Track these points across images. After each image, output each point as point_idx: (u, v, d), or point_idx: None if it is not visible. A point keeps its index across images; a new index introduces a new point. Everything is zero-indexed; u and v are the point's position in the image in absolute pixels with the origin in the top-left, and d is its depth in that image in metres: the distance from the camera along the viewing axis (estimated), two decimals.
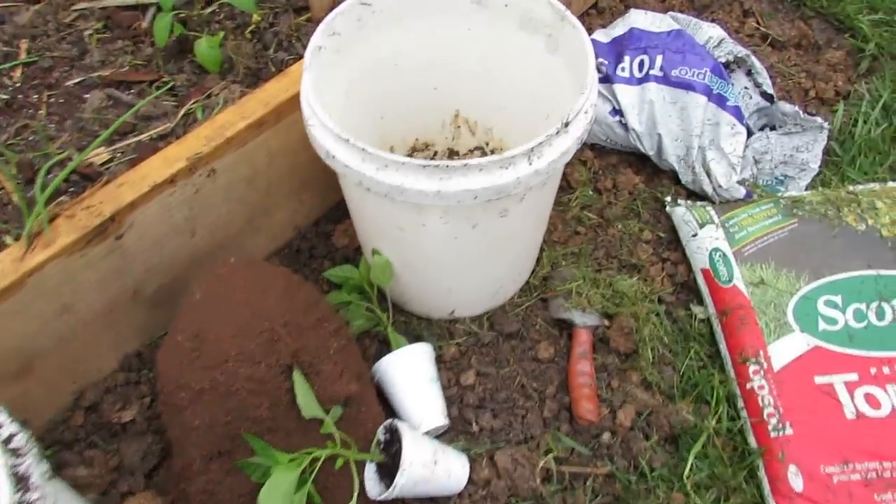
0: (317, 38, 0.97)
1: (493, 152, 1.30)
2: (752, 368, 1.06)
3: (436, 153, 1.33)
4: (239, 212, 1.12)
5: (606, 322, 1.17)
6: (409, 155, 1.31)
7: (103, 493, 1.01)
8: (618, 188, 1.35)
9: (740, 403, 1.07)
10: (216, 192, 1.05)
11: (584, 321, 1.14)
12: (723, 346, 1.13)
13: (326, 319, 0.99)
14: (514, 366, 1.13)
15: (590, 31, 1.55)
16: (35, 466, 0.68)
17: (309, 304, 0.98)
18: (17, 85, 1.18)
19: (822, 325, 1.08)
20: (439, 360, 1.15)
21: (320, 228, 1.28)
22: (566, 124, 0.86)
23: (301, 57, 1.21)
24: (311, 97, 0.89)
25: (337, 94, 1.07)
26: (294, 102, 1.07)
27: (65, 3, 1.30)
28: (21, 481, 0.66)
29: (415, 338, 1.18)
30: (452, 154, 1.33)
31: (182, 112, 1.09)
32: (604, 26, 1.48)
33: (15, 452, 0.67)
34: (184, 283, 1.11)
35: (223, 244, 1.13)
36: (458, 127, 1.28)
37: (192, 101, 1.10)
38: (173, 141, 1.07)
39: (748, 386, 1.06)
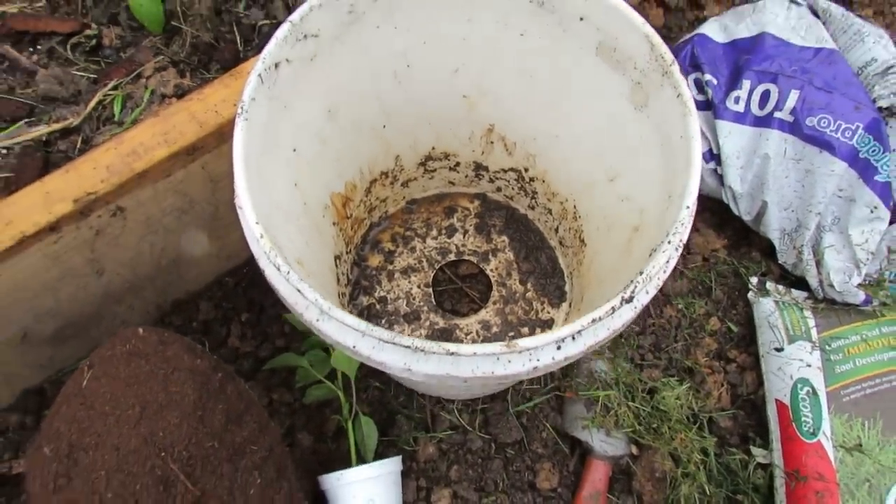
0: (275, 50, 0.62)
1: (532, 181, 0.96)
2: None
3: (458, 164, 0.99)
4: (170, 242, 0.83)
5: (635, 450, 0.89)
6: (423, 164, 0.97)
7: None
8: (690, 250, 1.01)
9: None
10: (130, 229, 0.76)
11: (605, 450, 0.87)
12: None
13: (253, 440, 0.74)
14: (503, 494, 0.87)
15: (700, 6, 1.13)
16: None
17: (230, 421, 0.72)
18: None
19: None
20: (412, 458, 0.90)
21: None
22: (629, 299, 0.53)
23: (278, 25, 0.85)
24: (241, 172, 0.57)
25: (313, 115, 0.74)
26: None
27: None
28: None
29: (388, 415, 0.92)
30: (480, 168, 0.99)
31: (95, 100, 0.76)
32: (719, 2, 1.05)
33: None
34: (96, 318, 0.85)
35: (152, 275, 0.86)
36: (491, 142, 0.93)
37: (111, 84, 0.77)
38: (77, 142, 0.76)
39: None
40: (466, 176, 1.02)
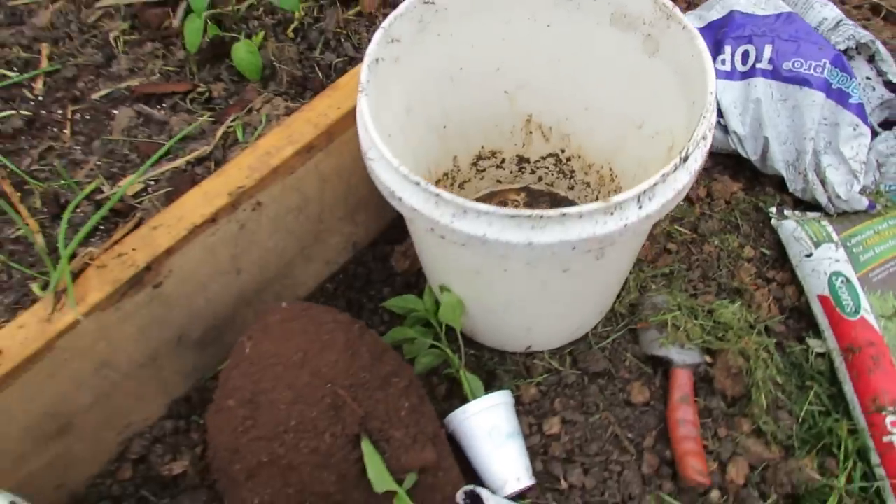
0: (374, 48, 0.82)
1: (569, 160, 1.14)
2: (889, 419, 0.91)
3: (503, 160, 1.18)
4: (288, 243, 0.99)
5: (708, 359, 1.02)
6: (475, 164, 1.16)
7: None
8: (713, 197, 1.18)
9: (875, 459, 0.92)
10: (263, 226, 0.92)
11: (684, 359, 1.00)
12: (848, 388, 0.97)
13: (396, 374, 0.87)
14: (605, 412, 0.99)
15: None
16: None
17: (374, 359, 0.86)
18: (40, 98, 1.06)
19: None
20: (517, 402, 1.02)
21: (377, 251, 1.15)
22: (685, 158, 0.70)
23: (350, 59, 1.06)
24: (371, 126, 0.75)
25: (396, 111, 0.92)
26: (346, 121, 0.93)
27: (87, 1, 1.17)
28: None
29: (487, 374, 1.05)
30: (522, 161, 1.18)
31: (220, 131, 0.95)
32: (690, 5, 1.29)
33: None
34: (230, 322, 1.00)
35: (272, 278, 1.01)
36: (530, 133, 1.12)
37: (230, 118, 0.97)
38: (211, 166, 0.94)
39: (885, 440, 0.91)
40: (511, 171, 1.20)
